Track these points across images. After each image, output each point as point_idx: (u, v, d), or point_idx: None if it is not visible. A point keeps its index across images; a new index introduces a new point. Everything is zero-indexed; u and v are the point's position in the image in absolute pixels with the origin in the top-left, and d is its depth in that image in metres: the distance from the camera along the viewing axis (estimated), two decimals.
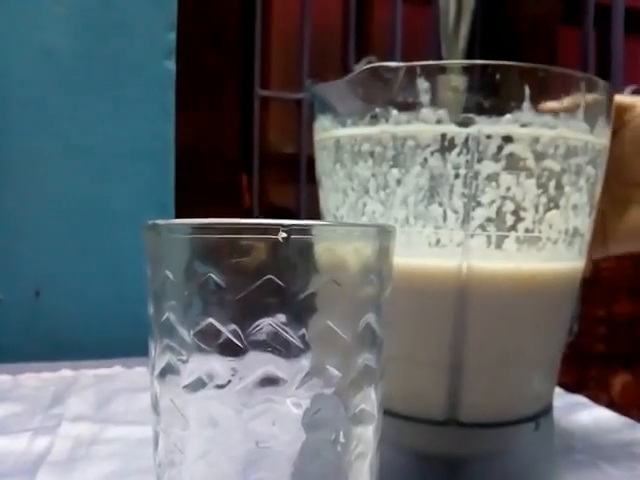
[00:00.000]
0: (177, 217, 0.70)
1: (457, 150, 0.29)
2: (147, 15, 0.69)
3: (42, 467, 0.37)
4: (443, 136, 0.29)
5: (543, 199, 0.30)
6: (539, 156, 0.30)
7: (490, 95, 0.29)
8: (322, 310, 0.20)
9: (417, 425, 0.32)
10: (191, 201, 0.73)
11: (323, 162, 0.35)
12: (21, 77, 0.67)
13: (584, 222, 0.33)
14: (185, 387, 0.20)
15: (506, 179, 0.30)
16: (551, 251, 0.31)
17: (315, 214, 0.36)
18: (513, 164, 0.30)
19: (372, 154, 0.31)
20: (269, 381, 0.20)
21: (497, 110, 0.29)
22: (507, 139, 0.29)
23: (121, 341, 0.64)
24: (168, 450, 0.21)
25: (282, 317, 0.19)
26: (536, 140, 0.30)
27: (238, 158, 0.83)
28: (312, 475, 0.21)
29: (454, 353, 0.31)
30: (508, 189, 0.30)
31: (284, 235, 0.19)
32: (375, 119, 0.31)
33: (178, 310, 0.20)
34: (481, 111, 0.29)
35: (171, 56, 0.69)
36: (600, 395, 0.92)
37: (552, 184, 0.30)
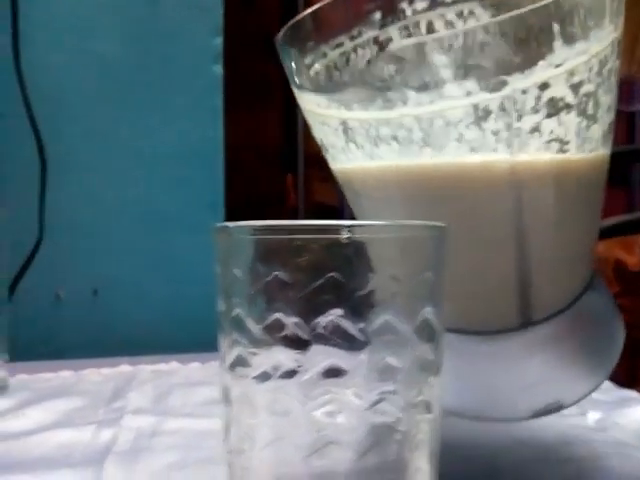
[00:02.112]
0: (227, 217, 0.71)
1: (494, 116, 0.27)
2: (194, 21, 0.71)
3: (108, 457, 0.38)
4: (476, 107, 0.27)
5: (583, 123, 0.29)
6: (576, 87, 0.28)
7: (518, 50, 0.27)
8: (381, 305, 0.21)
9: (492, 337, 0.31)
10: (239, 201, 0.75)
11: (328, 137, 0.32)
12: (74, 85, 0.70)
13: (612, 114, 0.31)
14: (254, 378, 0.21)
15: (548, 124, 0.28)
16: (592, 154, 0.30)
17: None
18: (554, 108, 0.28)
19: (395, 137, 0.28)
20: (332, 373, 0.21)
21: (529, 62, 0.27)
22: (544, 86, 0.27)
23: (176, 337, 0.67)
24: (239, 438, 0.22)
25: (344, 312, 0.20)
26: (572, 74, 0.27)
27: (283, 158, 0.84)
28: (373, 463, 0.22)
29: (519, 264, 0.30)
30: (551, 132, 0.28)
31: (346, 235, 0.20)
32: (390, 102, 0.27)
33: (246, 306, 0.21)
34: (512, 68, 0.27)
35: (218, 61, 0.71)
36: None
37: (590, 104, 0.29)
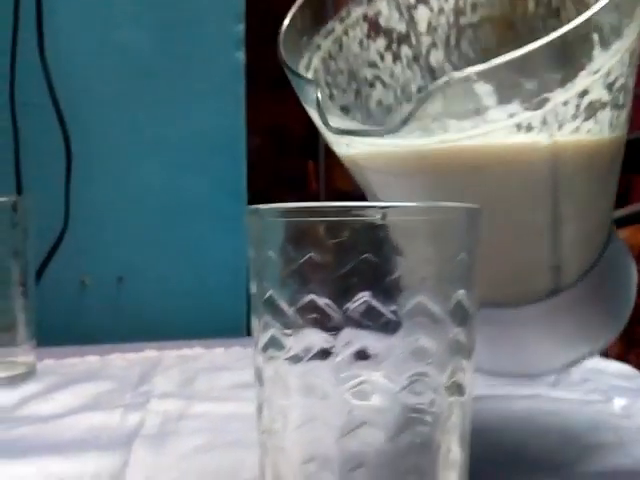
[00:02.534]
0: (250, 204, 0.72)
1: (536, 130, 0.27)
2: (216, 8, 0.71)
3: (136, 440, 0.39)
4: (518, 125, 0.27)
5: (615, 114, 0.29)
6: (612, 84, 0.27)
7: (560, 67, 0.26)
8: (414, 287, 0.21)
9: (523, 306, 0.32)
10: (261, 188, 0.75)
11: (350, 153, 0.31)
12: (98, 73, 0.70)
13: (632, 94, 0.31)
14: (287, 359, 0.22)
15: (586, 125, 0.28)
16: (619, 135, 0.30)
17: None
18: (592, 110, 0.28)
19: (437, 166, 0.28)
20: (365, 355, 0.21)
21: (570, 75, 0.26)
22: (583, 93, 0.27)
23: (199, 324, 0.67)
24: (271, 418, 0.22)
25: (377, 294, 0.20)
26: (608, 74, 0.27)
27: (304, 145, 0.84)
28: (404, 445, 0.22)
29: (552, 243, 0.30)
30: (588, 131, 0.28)
31: (380, 217, 0.20)
32: (429, 132, 0.26)
33: (280, 288, 0.21)
34: (554, 85, 0.26)
35: (240, 47, 0.71)
36: None
37: (621, 95, 0.28)
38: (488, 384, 0.41)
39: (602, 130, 0.29)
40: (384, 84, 0.36)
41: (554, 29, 0.25)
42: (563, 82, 0.26)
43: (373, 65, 0.36)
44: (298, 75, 0.29)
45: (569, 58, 0.26)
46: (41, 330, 0.54)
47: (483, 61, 0.29)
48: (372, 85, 0.36)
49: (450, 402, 0.22)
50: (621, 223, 0.91)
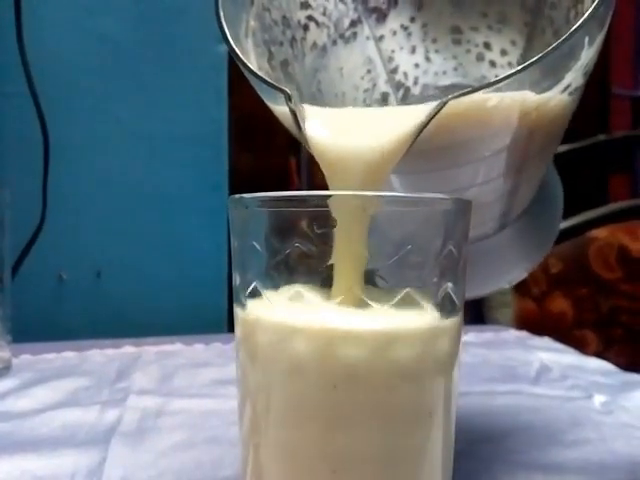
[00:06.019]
0: None
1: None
2: (198, 0, 0.70)
3: (114, 437, 0.38)
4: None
5: (583, 87, 0.29)
6: (588, 71, 0.28)
7: (551, 75, 0.26)
8: (404, 278, 0.21)
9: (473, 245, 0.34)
10: (242, 183, 0.74)
11: None
12: (78, 64, 0.69)
13: None
14: None
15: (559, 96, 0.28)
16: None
17: None
18: (571, 96, 0.28)
19: None
20: None
21: (559, 79, 0.26)
22: (566, 88, 0.27)
23: (179, 319, 0.66)
24: (255, 414, 0.22)
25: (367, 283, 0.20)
26: (587, 64, 0.27)
27: (287, 142, 0.84)
28: (391, 442, 0.21)
29: (511, 190, 0.31)
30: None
31: (368, 206, 0.19)
32: None
33: (265, 279, 0.21)
34: (543, 90, 0.26)
35: (223, 41, 0.70)
36: None
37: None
38: (468, 380, 0.41)
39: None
40: (317, 23, 0.36)
41: None
42: (550, 86, 0.26)
43: (306, 6, 0.35)
44: (269, 83, 0.28)
45: (561, 66, 0.26)
46: (18, 325, 0.53)
47: None
48: (306, 28, 0.36)
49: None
50: (600, 222, 0.92)
